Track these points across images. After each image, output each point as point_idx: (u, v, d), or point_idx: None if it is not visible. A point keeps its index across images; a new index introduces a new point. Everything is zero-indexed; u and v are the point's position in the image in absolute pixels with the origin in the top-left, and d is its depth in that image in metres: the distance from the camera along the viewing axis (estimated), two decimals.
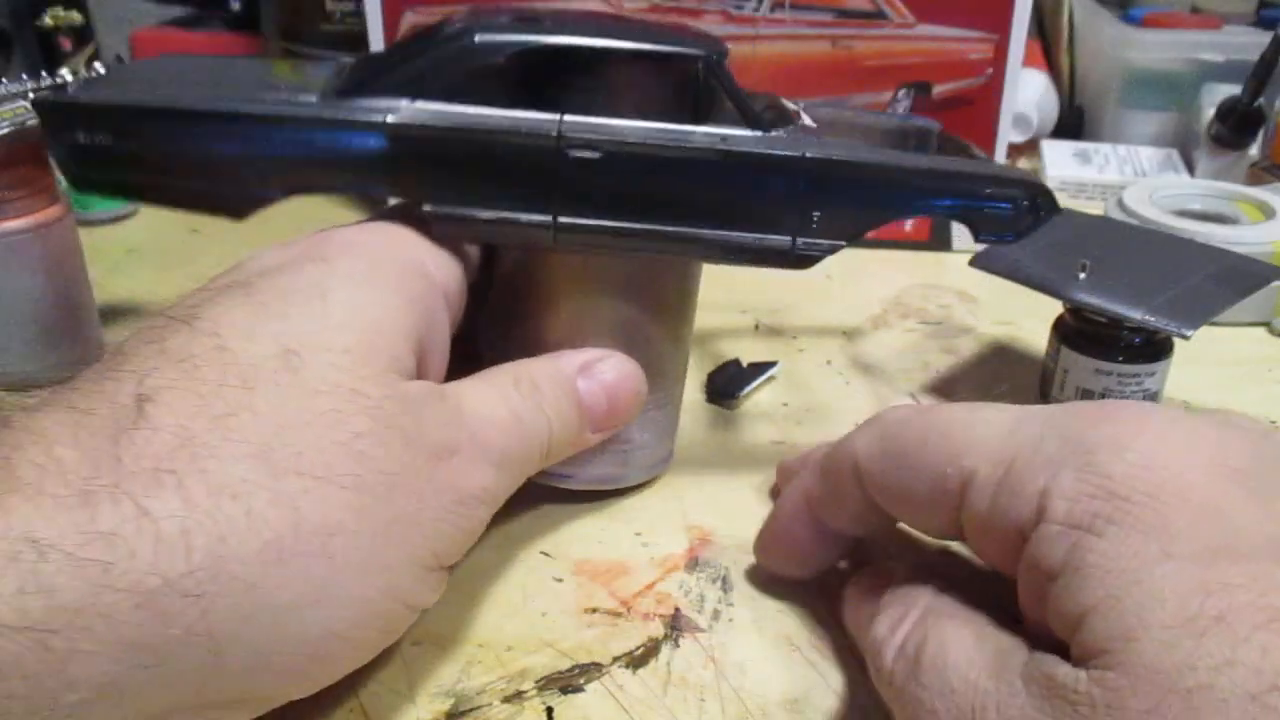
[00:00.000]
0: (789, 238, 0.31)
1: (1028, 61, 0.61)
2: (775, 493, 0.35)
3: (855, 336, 0.48)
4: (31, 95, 0.40)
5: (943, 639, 0.23)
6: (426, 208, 0.30)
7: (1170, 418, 0.23)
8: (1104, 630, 0.20)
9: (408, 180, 0.30)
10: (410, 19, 0.56)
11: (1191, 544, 0.20)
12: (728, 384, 0.42)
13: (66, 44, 0.75)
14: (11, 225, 0.40)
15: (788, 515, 0.31)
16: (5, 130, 0.39)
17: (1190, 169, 0.66)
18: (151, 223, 0.61)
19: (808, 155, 0.30)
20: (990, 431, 0.24)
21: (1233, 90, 0.63)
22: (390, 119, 0.29)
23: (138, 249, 0.57)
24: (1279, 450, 0.22)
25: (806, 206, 0.31)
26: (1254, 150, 0.65)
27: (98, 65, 0.42)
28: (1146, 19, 0.73)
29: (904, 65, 0.54)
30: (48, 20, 0.74)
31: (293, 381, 0.23)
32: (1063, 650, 0.21)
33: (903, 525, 0.29)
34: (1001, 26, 0.52)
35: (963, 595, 0.25)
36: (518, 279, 0.33)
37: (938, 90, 0.55)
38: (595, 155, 0.29)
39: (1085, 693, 0.19)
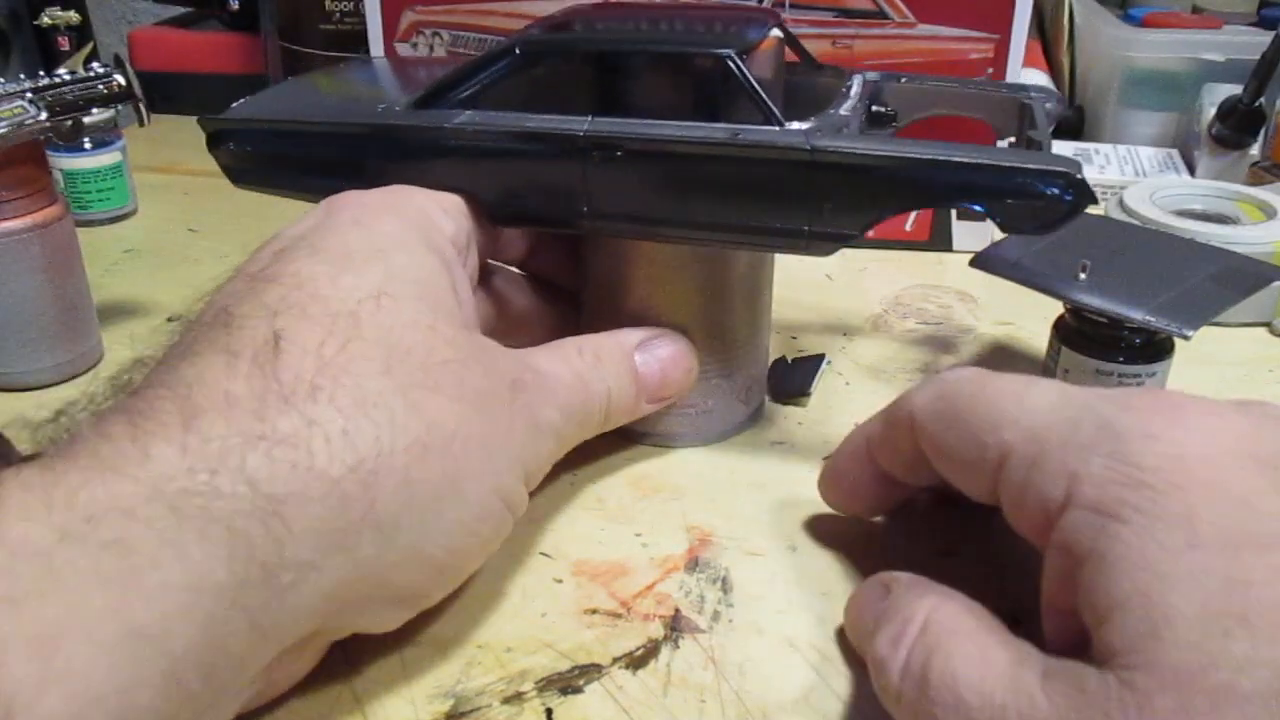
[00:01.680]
0: (803, 226, 0.32)
1: (1028, 61, 0.61)
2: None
3: (855, 336, 0.48)
4: (30, 95, 0.40)
5: (949, 653, 0.23)
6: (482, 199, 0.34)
7: (1204, 408, 0.23)
8: (1131, 628, 0.20)
9: (469, 175, 0.34)
10: (410, 19, 0.56)
11: (1216, 535, 0.20)
12: (790, 381, 0.42)
13: (64, 43, 0.75)
14: (10, 225, 0.40)
15: (848, 455, 0.32)
16: (4, 130, 0.38)
17: (1190, 169, 0.66)
18: (150, 223, 0.61)
19: (815, 149, 0.31)
20: (1032, 407, 0.25)
21: (1233, 90, 0.63)
22: (450, 125, 0.34)
23: (136, 249, 0.57)
24: None
25: (817, 197, 0.31)
26: (1254, 150, 0.65)
27: (95, 65, 0.42)
28: (1146, 19, 0.73)
29: (904, 65, 0.54)
30: (46, 20, 0.74)
31: (387, 318, 0.27)
32: (1077, 640, 0.22)
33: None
34: (1002, 26, 0.52)
35: (964, 603, 0.25)
36: (599, 277, 0.38)
37: None
38: (618, 154, 0.32)
39: (1116, 696, 0.20)
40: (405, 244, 0.29)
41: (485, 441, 0.27)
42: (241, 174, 0.38)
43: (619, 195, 0.33)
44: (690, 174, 0.32)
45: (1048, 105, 0.37)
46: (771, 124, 0.32)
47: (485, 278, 0.37)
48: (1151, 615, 0.20)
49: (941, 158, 0.31)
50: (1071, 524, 0.23)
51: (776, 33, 0.36)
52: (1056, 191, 0.30)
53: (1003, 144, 0.40)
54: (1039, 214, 0.30)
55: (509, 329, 0.38)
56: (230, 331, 0.25)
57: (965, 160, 0.30)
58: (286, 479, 0.23)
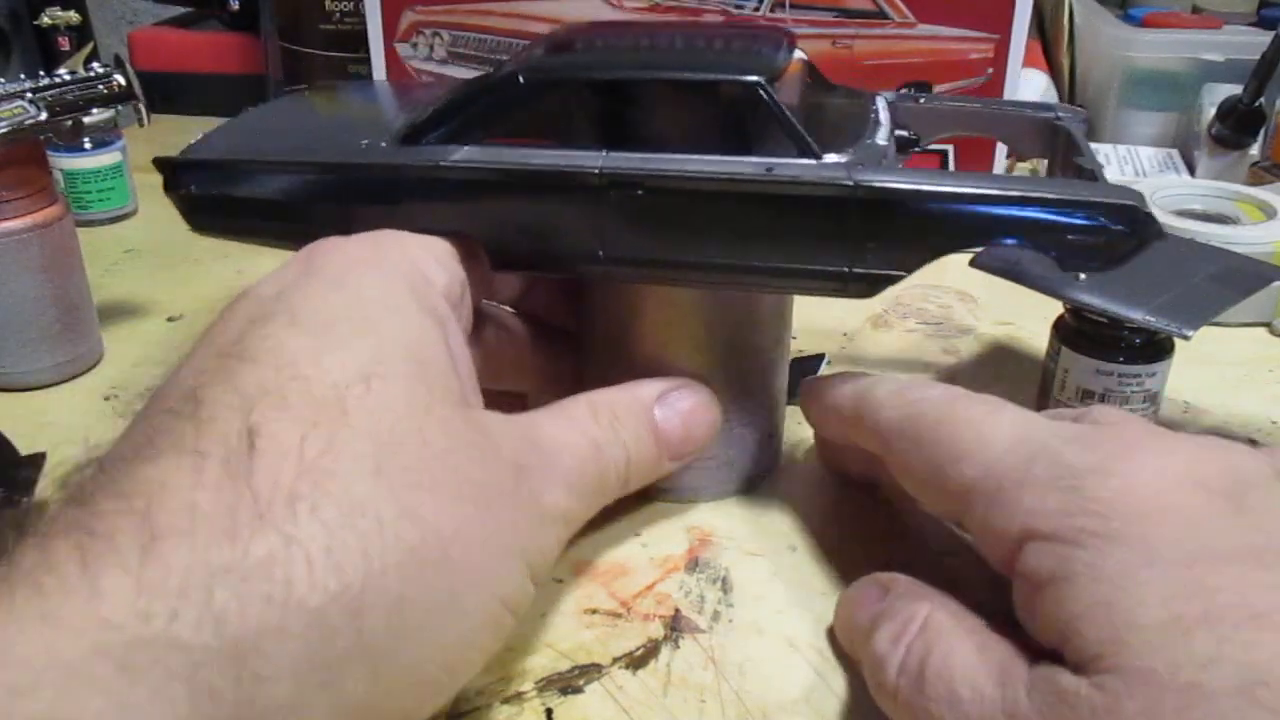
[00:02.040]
0: (844, 268, 0.29)
1: (1028, 61, 0.61)
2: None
3: (855, 336, 0.48)
4: (30, 95, 0.40)
5: (946, 650, 0.24)
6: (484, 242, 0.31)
7: (1154, 444, 0.24)
8: (1094, 635, 0.21)
9: (466, 219, 0.30)
10: (410, 19, 0.56)
11: (1172, 553, 0.21)
12: (791, 381, 0.42)
13: (65, 43, 0.75)
14: (11, 225, 0.40)
15: (836, 405, 0.33)
16: (4, 130, 0.38)
17: (1190, 169, 0.66)
18: (150, 223, 0.61)
19: (858, 184, 0.28)
20: (993, 440, 0.26)
21: (1233, 90, 0.63)
22: (444, 162, 0.30)
23: (136, 249, 0.57)
24: (1253, 466, 0.24)
25: (860, 237, 0.29)
26: (1254, 150, 0.65)
27: (95, 65, 0.42)
28: (1146, 19, 0.73)
29: (904, 65, 0.54)
30: (46, 20, 0.74)
31: (377, 403, 0.23)
32: (1057, 658, 0.22)
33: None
34: (1002, 26, 0.52)
35: (961, 605, 0.26)
36: (608, 322, 0.34)
37: (938, 90, 0.55)
38: (639, 192, 0.29)
39: (1086, 698, 0.20)
40: (396, 307, 0.26)
41: (487, 542, 0.24)
42: (203, 220, 0.34)
43: (638, 238, 0.30)
44: (718, 213, 0.29)
45: (1063, 131, 0.35)
46: (807, 156, 0.29)
47: (477, 321, 0.34)
48: (1114, 623, 0.21)
49: (997, 191, 0.28)
50: (1032, 553, 0.23)
51: (800, 54, 0.33)
52: (1121, 226, 0.28)
53: (1016, 166, 0.39)
54: (1101, 250, 0.28)
55: (500, 372, 0.35)
56: (199, 425, 0.22)
57: (1024, 194, 0.28)
58: (260, 615, 0.20)
